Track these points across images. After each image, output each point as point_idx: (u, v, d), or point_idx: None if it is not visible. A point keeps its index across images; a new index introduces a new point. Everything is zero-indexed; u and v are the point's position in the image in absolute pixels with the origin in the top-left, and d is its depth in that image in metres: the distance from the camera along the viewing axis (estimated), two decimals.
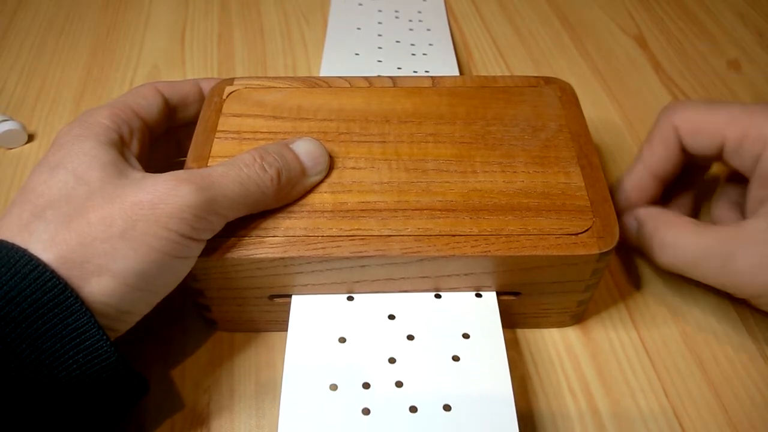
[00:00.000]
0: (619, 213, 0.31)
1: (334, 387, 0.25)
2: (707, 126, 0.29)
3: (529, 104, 0.31)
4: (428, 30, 0.45)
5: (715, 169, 0.34)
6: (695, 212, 0.34)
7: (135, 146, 0.27)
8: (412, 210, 0.27)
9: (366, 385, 0.25)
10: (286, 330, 0.27)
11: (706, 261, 0.27)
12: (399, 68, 0.41)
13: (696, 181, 0.33)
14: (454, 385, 0.25)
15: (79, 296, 0.21)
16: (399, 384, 0.25)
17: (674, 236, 0.28)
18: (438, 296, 0.28)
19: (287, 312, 0.28)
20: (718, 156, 0.29)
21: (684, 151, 0.30)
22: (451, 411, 0.25)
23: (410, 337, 0.27)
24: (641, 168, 0.31)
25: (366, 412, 0.25)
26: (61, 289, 0.21)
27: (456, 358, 0.26)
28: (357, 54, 0.43)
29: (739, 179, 0.31)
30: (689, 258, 0.28)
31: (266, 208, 0.27)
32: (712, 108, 0.29)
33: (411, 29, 0.45)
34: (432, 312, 0.28)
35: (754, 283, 0.26)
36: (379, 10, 0.47)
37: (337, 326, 0.27)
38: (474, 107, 0.31)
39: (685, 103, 0.30)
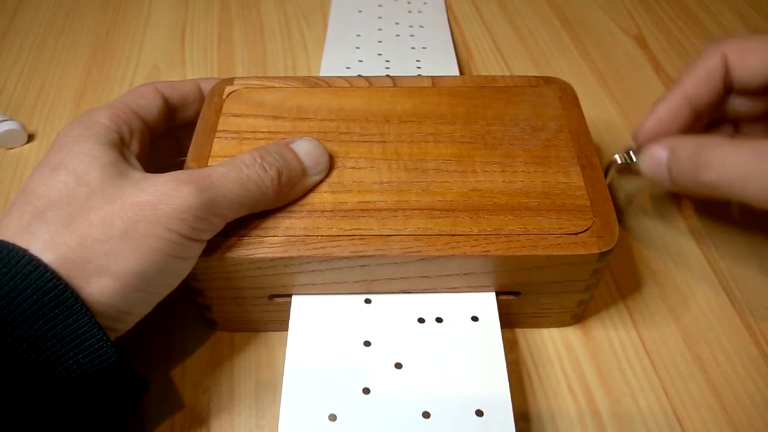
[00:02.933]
0: (641, 142, 0.30)
1: (334, 386, 0.25)
2: (759, 47, 0.28)
3: (529, 104, 0.31)
4: (428, 30, 0.45)
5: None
6: None
7: (135, 146, 0.27)
8: (412, 210, 0.27)
9: (366, 385, 0.25)
10: (286, 330, 0.27)
11: (757, 176, 0.25)
12: (399, 68, 0.41)
13: (725, 136, 0.32)
14: (453, 385, 0.25)
15: (80, 297, 0.21)
16: (398, 383, 0.25)
17: (720, 153, 0.26)
18: (437, 296, 0.28)
19: (287, 312, 0.28)
20: (763, 89, 0.28)
21: (725, 87, 0.29)
22: (451, 411, 0.25)
23: (410, 337, 0.27)
24: (679, 94, 0.29)
25: (366, 410, 0.25)
26: (62, 290, 0.21)
27: (455, 358, 0.26)
28: (357, 54, 0.43)
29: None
30: (738, 174, 0.25)
31: (266, 208, 0.27)
32: (763, 34, 0.28)
33: (411, 29, 0.45)
34: (432, 312, 0.28)
35: None
36: (380, 7, 0.47)
37: (337, 326, 0.27)
38: (474, 107, 0.31)
39: (733, 35, 0.29)
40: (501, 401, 0.25)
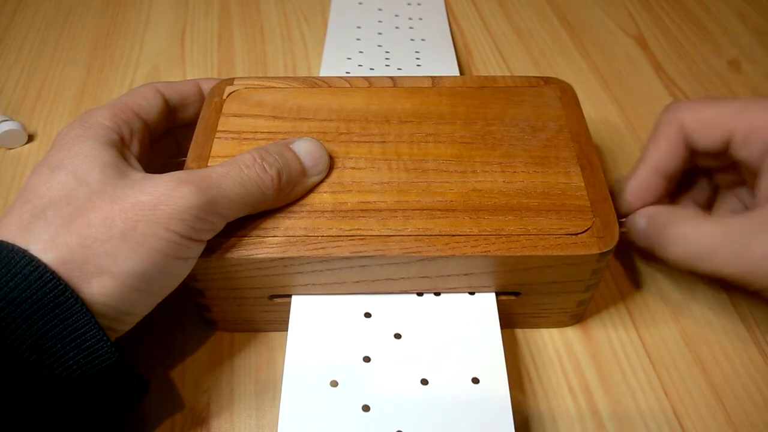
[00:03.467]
0: (625, 213, 0.31)
1: (334, 386, 0.25)
2: (714, 119, 0.29)
3: (529, 104, 0.31)
4: (428, 30, 0.45)
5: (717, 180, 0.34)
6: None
7: (135, 147, 0.27)
8: (412, 210, 0.27)
9: (365, 384, 0.25)
10: (286, 330, 0.27)
11: (721, 250, 0.26)
12: (399, 68, 0.41)
13: (698, 188, 0.33)
14: (452, 384, 0.25)
15: (80, 297, 0.21)
16: (398, 382, 0.25)
17: (686, 228, 0.27)
18: (437, 296, 0.28)
19: (287, 312, 0.28)
20: (724, 151, 0.29)
21: (689, 150, 0.30)
22: (450, 411, 0.25)
23: (410, 337, 0.27)
24: (646, 167, 0.30)
25: (366, 409, 0.25)
26: (62, 290, 0.21)
27: (454, 358, 0.26)
28: (357, 54, 0.43)
29: (737, 188, 0.31)
30: (703, 249, 0.27)
31: (266, 209, 0.27)
32: (718, 102, 0.29)
33: (411, 29, 0.45)
34: (431, 312, 0.28)
35: None
36: (380, 9, 0.47)
37: (337, 326, 0.27)
38: (474, 107, 0.31)
39: (688, 101, 0.30)
40: (501, 401, 0.25)
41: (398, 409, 0.25)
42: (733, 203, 0.32)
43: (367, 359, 0.26)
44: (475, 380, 0.26)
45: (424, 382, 0.26)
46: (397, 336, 0.27)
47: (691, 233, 0.27)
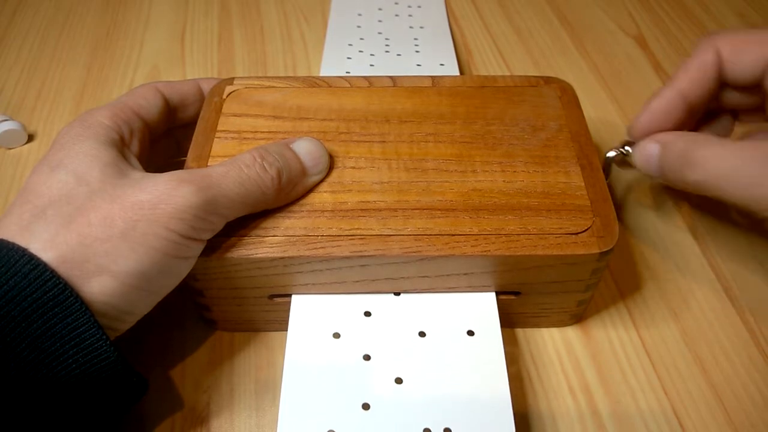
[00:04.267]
0: (636, 137, 0.30)
1: (333, 386, 0.25)
2: (752, 44, 0.28)
3: (529, 104, 0.31)
4: (428, 30, 0.45)
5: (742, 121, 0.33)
6: None
7: (135, 146, 0.27)
8: (412, 210, 0.27)
9: (365, 384, 0.25)
10: (286, 330, 0.27)
11: (738, 174, 0.25)
12: (399, 68, 0.41)
13: (722, 125, 0.32)
14: (453, 384, 0.25)
15: (79, 296, 0.21)
16: (398, 382, 0.25)
17: (708, 152, 0.26)
18: (437, 296, 0.28)
19: (287, 312, 0.28)
20: (758, 83, 0.28)
21: (719, 82, 0.29)
22: (450, 410, 0.25)
23: (409, 337, 0.27)
24: (672, 90, 0.29)
25: (366, 408, 0.25)
26: (61, 289, 0.21)
27: (454, 358, 0.26)
28: (357, 54, 0.43)
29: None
30: (723, 173, 0.26)
31: (266, 208, 0.27)
32: (757, 30, 0.28)
33: (411, 29, 0.45)
34: (431, 311, 0.28)
35: None
36: (380, 9, 0.47)
37: (336, 326, 0.27)
38: (474, 107, 0.31)
39: (727, 29, 0.29)
40: (501, 401, 0.25)
41: (398, 408, 0.25)
42: (762, 137, 0.31)
43: (367, 358, 0.26)
44: (476, 380, 0.26)
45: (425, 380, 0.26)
46: (397, 336, 0.27)
47: (712, 156, 0.26)
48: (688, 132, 0.29)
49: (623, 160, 0.31)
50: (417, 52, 0.43)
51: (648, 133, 0.30)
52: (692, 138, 0.28)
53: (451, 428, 0.24)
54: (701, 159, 0.26)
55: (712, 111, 0.32)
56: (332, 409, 0.25)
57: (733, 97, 0.30)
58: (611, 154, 0.31)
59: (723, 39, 0.29)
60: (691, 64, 0.29)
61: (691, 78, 0.29)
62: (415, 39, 0.44)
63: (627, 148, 0.31)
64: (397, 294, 0.28)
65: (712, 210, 0.36)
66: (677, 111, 0.29)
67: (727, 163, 0.26)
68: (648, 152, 0.29)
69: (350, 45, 0.43)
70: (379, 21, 0.46)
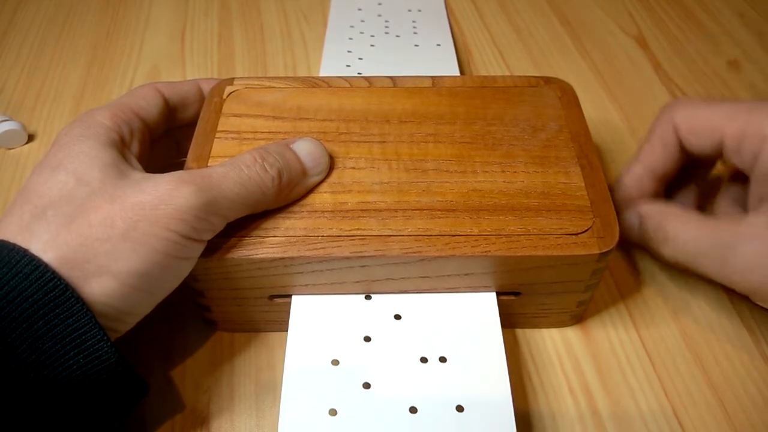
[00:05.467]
0: (619, 210, 0.31)
1: (334, 386, 0.25)
2: (706, 124, 0.29)
3: (529, 104, 0.31)
4: (428, 30, 0.45)
5: (719, 167, 0.34)
6: (699, 209, 0.34)
7: (135, 147, 0.27)
8: (412, 210, 0.27)
9: (366, 384, 0.25)
10: (286, 330, 0.27)
11: (708, 254, 0.27)
12: (399, 67, 0.41)
13: (699, 179, 0.33)
14: (453, 385, 0.25)
15: (80, 297, 0.21)
16: (398, 382, 0.25)
17: (677, 229, 0.28)
18: (438, 296, 0.28)
19: (287, 312, 0.28)
20: (719, 154, 0.29)
21: (684, 150, 0.30)
22: (450, 410, 0.25)
23: (409, 337, 0.27)
24: (640, 167, 0.31)
25: (366, 410, 0.25)
26: (62, 290, 0.21)
27: (455, 358, 0.26)
28: (357, 54, 0.43)
29: (742, 177, 0.31)
30: (691, 251, 0.27)
31: (267, 209, 0.27)
32: (711, 106, 0.29)
33: (411, 29, 0.45)
34: (431, 312, 0.28)
35: (751, 278, 0.26)
36: (379, 5, 0.47)
37: (337, 326, 0.27)
38: (474, 107, 0.31)
39: (683, 101, 0.30)
40: (501, 401, 0.25)
41: (399, 408, 0.25)
42: (737, 191, 0.31)
43: (367, 356, 0.26)
44: (477, 380, 0.26)
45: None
46: (398, 336, 0.27)
47: (680, 235, 0.28)
48: (663, 205, 0.30)
49: None
50: (416, 51, 0.43)
51: (628, 205, 0.31)
52: (665, 213, 0.29)
53: (453, 429, 0.24)
54: (671, 237, 0.28)
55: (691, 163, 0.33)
56: (332, 409, 0.25)
57: (703, 158, 0.31)
58: None
59: (678, 116, 0.30)
60: (654, 142, 0.30)
61: (655, 155, 0.30)
62: (415, 39, 0.44)
63: None
64: (397, 294, 0.28)
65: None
66: (649, 183, 0.31)
67: (694, 243, 0.27)
68: (629, 224, 0.31)
69: (350, 45, 0.43)
70: (378, 20, 0.46)
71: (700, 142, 0.29)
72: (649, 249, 0.30)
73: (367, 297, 0.28)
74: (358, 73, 0.41)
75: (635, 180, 0.31)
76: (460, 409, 0.25)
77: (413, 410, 0.25)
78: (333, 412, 0.25)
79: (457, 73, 0.41)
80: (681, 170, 0.32)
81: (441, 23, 0.46)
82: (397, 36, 0.44)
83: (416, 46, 0.43)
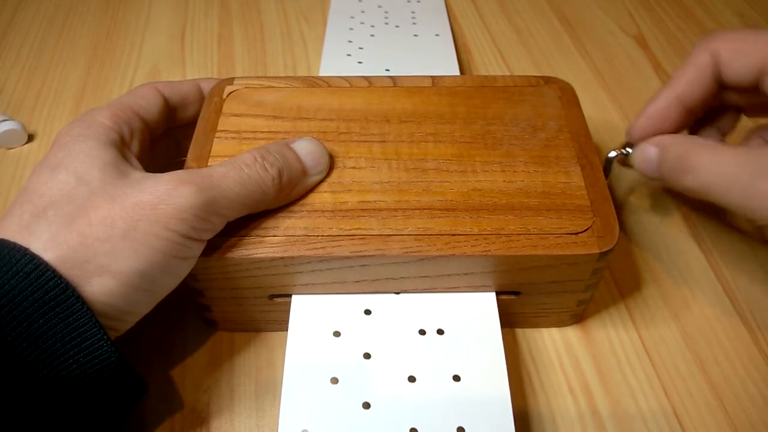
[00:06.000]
0: (635, 140, 0.30)
1: (334, 384, 0.25)
2: (749, 47, 0.28)
3: (529, 104, 0.31)
4: (428, 30, 0.45)
5: (744, 122, 0.33)
6: None
7: (135, 146, 0.27)
8: (412, 209, 0.27)
9: (366, 384, 0.25)
10: (286, 330, 0.27)
11: (735, 181, 0.25)
12: (399, 67, 0.41)
13: (722, 126, 0.32)
14: (452, 384, 0.25)
15: (80, 296, 0.21)
16: (398, 382, 0.25)
17: (703, 156, 0.26)
18: (437, 296, 0.28)
19: (287, 312, 0.28)
20: (755, 86, 0.28)
21: (718, 83, 0.29)
22: (449, 410, 0.25)
23: (410, 337, 0.27)
24: (669, 92, 0.29)
25: (366, 406, 0.25)
26: (62, 289, 0.21)
27: (454, 358, 0.26)
28: (356, 54, 0.43)
29: (763, 130, 0.30)
30: (717, 179, 0.26)
31: (267, 208, 0.27)
32: (755, 32, 0.28)
33: (410, 19, 0.45)
34: (431, 311, 0.28)
35: None
36: (379, 6, 0.47)
37: (337, 326, 0.27)
38: (474, 107, 0.31)
39: (724, 30, 0.29)
40: (501, 401, 0.25)
41: (399, 408, 0.25)
42: (759, 143, 0.31)
43: (367, 356, 0.26)
44: (476, 380, 0.26)
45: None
46: (398, 336, 0.27)
47: (708, 163, 0.26)
48: (687, 136, 0.29)
49: (624, 161, 0.31)
50: (416, 51, 0.43)
51: (647, 136, 0.30)
52: (689, 143, 0.28)
53: (452, 427, 0.24)
54: (697, 164, 0.26)
55: (716, 107, 0.31)
56: (333, 409, 0.25)
57: (733, 97, 0.30)
58: (612, 154, 0.31)
59: (720, 41, 0.28)
60: (688, 67, 0.29)
61: (687, 81, 0.29)
62: (415, 39, 0.44)
63: (628, 149, 0.31)
64: (397, 294, 0.28)
65: (713, 211, 0.36)
66: (675, 114, 0.29)
67: (721, 170, 0.26)
68: (647, 155, 0.29)
69: (350, 45, 0.43)
70: (379, 19, 0.46)
71: (740, 65, 0.28)
72: (668, 181, 0.28)
73: (367, 308, 0.28)
74: (359, 62, 0.42)
75: (662, 107, 0.29)
76: (458, 409, 0.25)
77: (412, 407, 0.25)
78: (333, 413, 0.25)
79: (457, 73, 0.41)
80: (704, 118, 0.30)
81: (439, 14, 0.46)
82: (397, 35, 0.44)
83: (415, 36, 0.43)
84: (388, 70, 0.41)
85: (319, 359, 0.26)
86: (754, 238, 0.28)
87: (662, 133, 0.30)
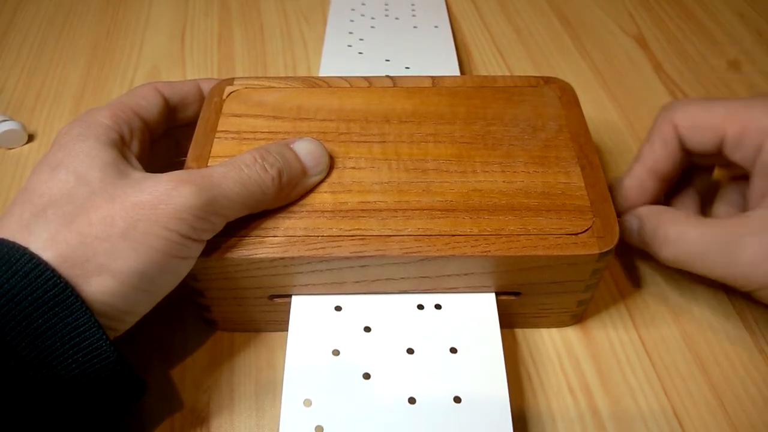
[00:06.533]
0: (619, 213, 0.31)
1: (334, 386, 0.25)
2: (706, 121, 0.29)
3: (529, 104, 0.31)
4: (428, 29, 0.45)
5: (716, 173, 0.34)
6: (698, 213, 0.34)
7: (135, 146, 0.27)
8: (412, 210, 0.27)
9: (366, 383, 0.25)
10: (286, 330, 0.27)
11: (710, 253, 0.27)
12: (399, 68, 0.41)
13: (698, 184, 0.33)
14: (451, 384, 0.25)
15: (80, 295, 0.21)
16: (398, 382, 0.25)
17: (677, 230, 0.28)
18: (438, 296, 0.28)
19: (287, 312, 0.28)
20: (718, 152, 0.29)
21: (685, 151, 0.30)
22: (449, 409, 0.25)
23: (409, 336, 0.27)
24: (641, 167, 0.31)
25: (366, 408, 0.25)
26: (62, 288, 0.21)
27: (454, 358, 0.26)
28: (356, 53, 0.43)
29: (739, 181, 0.31)
30: (693, 251, 0.27)
31: (267, 208, 0.27)
32: (711, 104, 0.29)
33: (411, 29, 0.45)
34: (431, 312, 0.28)
35: (757, 273, 0.26)
36: (379, 8, 0.47)
37: (337, 326, 0.27)
38: (474, 107, 0.31)
39: (683, 101, 0.30)
40: (499, 401, 0.25)
41: (398, 407, 0.25)
42: (734, 196, 0.32)
43: (367, 357, 0.26)
44: (475, 380, 0.26)
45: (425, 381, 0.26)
46: (398, 335, 0.27)
47: (681, 236, 0.28)
48: (660, 207, 0.30)
49: None
50: (416, 51, 0.43)
51: (630, 208, 0.31)
52: (661, 215, 0.29)
53: (450, 427, 0.24)
54: (671, 239, 0.28)
55: (689, 168, 0.32)
56: (334, 409, 0.25)
57: (703, 158, 0.31)
58: None
59: (678, 115, 0.30)
60: (655, 142, 0.30)
61: (656, 154, 0.30)
62: (415, 38, 0.44)
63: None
64: (397, 294, 0.28)
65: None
66: (650, 184, 0.31)
67: (696, 242, 0.27)
68: (628, 227, 0.31)
69: (350, 45, 0.43)
70: (379, 19, 0.46)
71: (700, 139, 0.29)
72: (649, 251, 0.30)
73: (366, 299, 0.28)
74: (359, 53, 0.42)
75: (636, 181, 0.31)
76: (457, 409, 0.25)
77: (412, 407, 0.25)
78: (334, 413, 0.25)
79: (457, 73, 0.41)
80: (680, 177, 0.32)
81: (438, 6, 0.47)
82: (397, 35, 0.44)
83: (416, 45, 0.43)
84: (388, 60, 0.41)
85: (320, 359, 0.26)
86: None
87: (643, 203, 0.31)
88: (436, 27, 0.45)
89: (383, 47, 0.43)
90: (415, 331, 0.27)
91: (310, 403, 0.25)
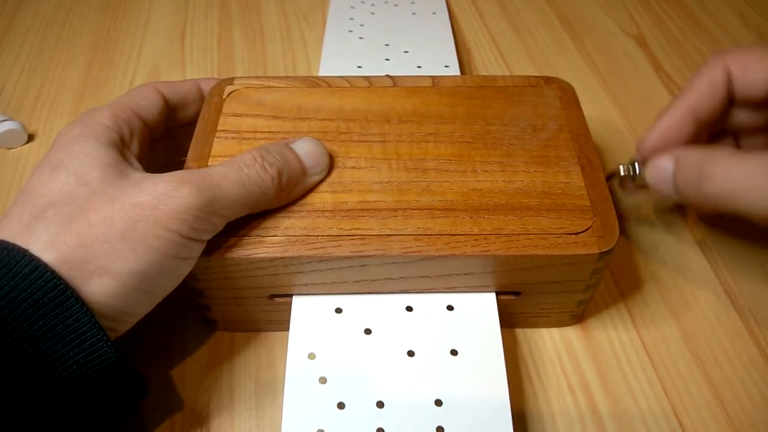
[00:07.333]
0: (645, 155, 0.30)
1: (335, 386, 0.25)
2: (760, 60, 0.28)
3: (529, 104, 0.31)
4: (428, 29, 0.45)
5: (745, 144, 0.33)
6: None
7: (135, 146, 0.27)
8: (412, 209, 0.27)
9: (368, 383, 0.25)
10: (287, 330, 0.27)
11: (758, 187, 0.25)
12: (399, 67, 0.41)
13: (735, 141, 0.32)
14: (451, 384, 0.25)
15: (80, 297, 0.21)
16: (398, 382, 0.25)
17: (723, 164, 0.26)
18: (437, 296, 0.28)
19: (287, 312, 0.28)
20: (764, 101, 0.28)
21: (728, 98, 0.29)
22: (449, 410, 0.25)
23: (409, 336, 0.27)
24: (682, 106, 0.29)
25: (369, 408, 0.25)
26: (62, 290, 0.21)
27: (454, 358, 0.26)
28: (356, 54, 0.43)
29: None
30: (740, 186, 0.25)
31: (267, 208, 0.27)
32: (764, 47, 0.28)
33: (411, 29, 0.45)
34: (431, 311, 0.28)
35: None
36: (379, 7, 0.47)
37: (337, 325, 0.27)
38: (474, 107, 0.31)
39: (736, 47, 0.29)
40: (499, 401, 0.25)
41: (398, 407, 0.25)
42: (730, 142, 0.31)
43: (368, 357, 0.26)
44: (475, 380, 0.26)
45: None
46: (398, 335, 0.27)
47: (727, 170, 0.26)
48: (702, 145, 0.29)
49: (625, 179, 0.31)
50: (416, 50, 0.43)
51: (658, 150, 0.29)
52: (708, 151, 0.27)
53: (450, 427, 0.24)
54: (719, 172, 0.26)
55: (715, 134, 0.31)
56: (334, 409, 0.25)
57: (739, 117, 0.30)
58: (620, 168, 0.31)
59: (732, 56, 0.29)
60: (701, 81, 0.29)
61: (701, 95, 0.29)
62: (415, 37, 0.44)
63: (636, 164, 0.30)
64: (397, 294, 0.28)
65: (713, 212, 0.36)
66: (687, 128, 0.29)
67: (745, 175, 0.25)
68: (661, 167, 0.29)
69: (349, 45, 0.43)
70: (379, 19, 0.46)
71: (752, 80, 0.28)
72: (683, 195, 0.28)
73: (367, 331, 0.28)
74: (360, 38, 0.44)
75: (675, 120, 0.29)
76: (457, 408, 0.25)
77: (412, 406, 0.25)
78: (335, 414, 0.25)
79: (457, 73, 0.41)
80: (716, 132, 0.30)
81: (441, 23, 0.46)
82: (397, 35, 0.44)
83: (416, 45, 0.43)
84: (388, 68, 0.41)
85: (320, 359, 0.26)
86: None
87: (674, 146, 0.29)
88: (434, 13, 0.46)
89: (383, 34, 0.44)
90: (415, 331, 0.27)
91: (312, 404, 0.25)
